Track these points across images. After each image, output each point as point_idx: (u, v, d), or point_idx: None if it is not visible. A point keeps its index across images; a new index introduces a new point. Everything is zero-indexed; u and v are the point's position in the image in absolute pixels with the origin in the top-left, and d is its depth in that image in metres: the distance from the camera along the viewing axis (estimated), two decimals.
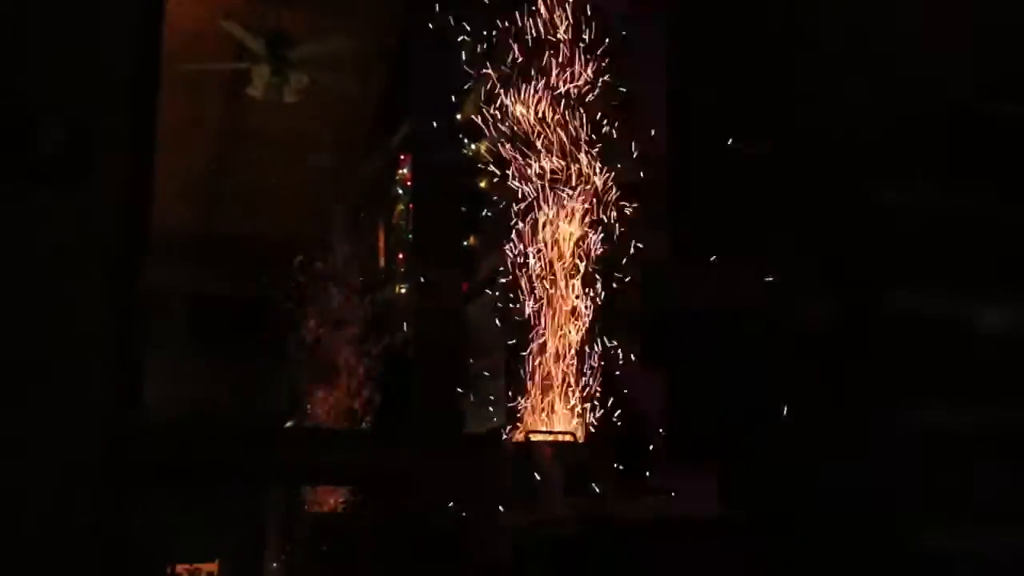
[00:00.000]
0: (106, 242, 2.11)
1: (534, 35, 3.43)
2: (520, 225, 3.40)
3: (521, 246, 3.38)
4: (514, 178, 3.44)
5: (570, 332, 3.31)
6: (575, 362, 3.31)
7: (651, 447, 3.16)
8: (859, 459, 2.91)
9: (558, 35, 3.43)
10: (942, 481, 2.68)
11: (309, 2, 4.97)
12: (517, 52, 3.44)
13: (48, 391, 1.70)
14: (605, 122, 3.41)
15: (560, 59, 3.42)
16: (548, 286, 3.33)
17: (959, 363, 2.75)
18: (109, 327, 1.92)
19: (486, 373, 3.80)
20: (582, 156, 3.37)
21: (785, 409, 3.05)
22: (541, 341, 3.33)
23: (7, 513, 1.51)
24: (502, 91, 3.47)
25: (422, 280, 3.84)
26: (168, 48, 3.17)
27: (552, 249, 3.34)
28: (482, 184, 4.08)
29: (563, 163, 3.37)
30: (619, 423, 3.20)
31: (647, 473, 3.10)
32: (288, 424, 7.16)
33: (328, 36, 5.68)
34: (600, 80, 3.41)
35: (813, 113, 3.19)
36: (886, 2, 2.98)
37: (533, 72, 3.44)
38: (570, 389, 3.29)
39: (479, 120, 3.64)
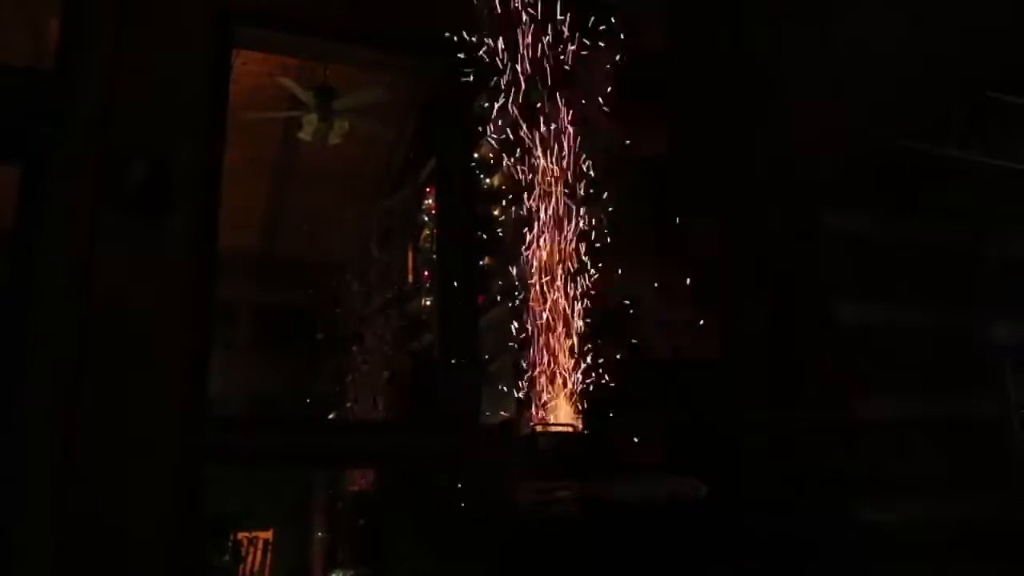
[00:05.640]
0: (182, 262, 2.15)
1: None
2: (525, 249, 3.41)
3: (526, 267, 3.38)
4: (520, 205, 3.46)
5: (570, 339, 3.31)
6: (575, 365, 3.30)
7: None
8: (816, 446, 2.90)
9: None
10: (881, 462, 2.68)
11: (350, 61, 5.05)
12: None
13: (137, 386, 1.74)
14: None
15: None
16: (548, 301, 3.33)
17: (896, 364, 2.75)
18: (185, 332, 1.95)
19: (499, 373, 3.80)
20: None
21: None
22: (545, 346, 3.32)
23: (111, 486, 1.56)
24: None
25: (444, 294, 3.84)
26: (234, 100, 3.21)
27: (548, 273, 3.35)
28: (496, 212, 4.09)
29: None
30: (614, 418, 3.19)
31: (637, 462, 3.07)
32: (332, 415, 7.17)
33: (366, 89, 5.74)
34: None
35: (773, 149, 3.19)
36: (832, 62, 3.00)
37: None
38: (571, 388, 3.28)
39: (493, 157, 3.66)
